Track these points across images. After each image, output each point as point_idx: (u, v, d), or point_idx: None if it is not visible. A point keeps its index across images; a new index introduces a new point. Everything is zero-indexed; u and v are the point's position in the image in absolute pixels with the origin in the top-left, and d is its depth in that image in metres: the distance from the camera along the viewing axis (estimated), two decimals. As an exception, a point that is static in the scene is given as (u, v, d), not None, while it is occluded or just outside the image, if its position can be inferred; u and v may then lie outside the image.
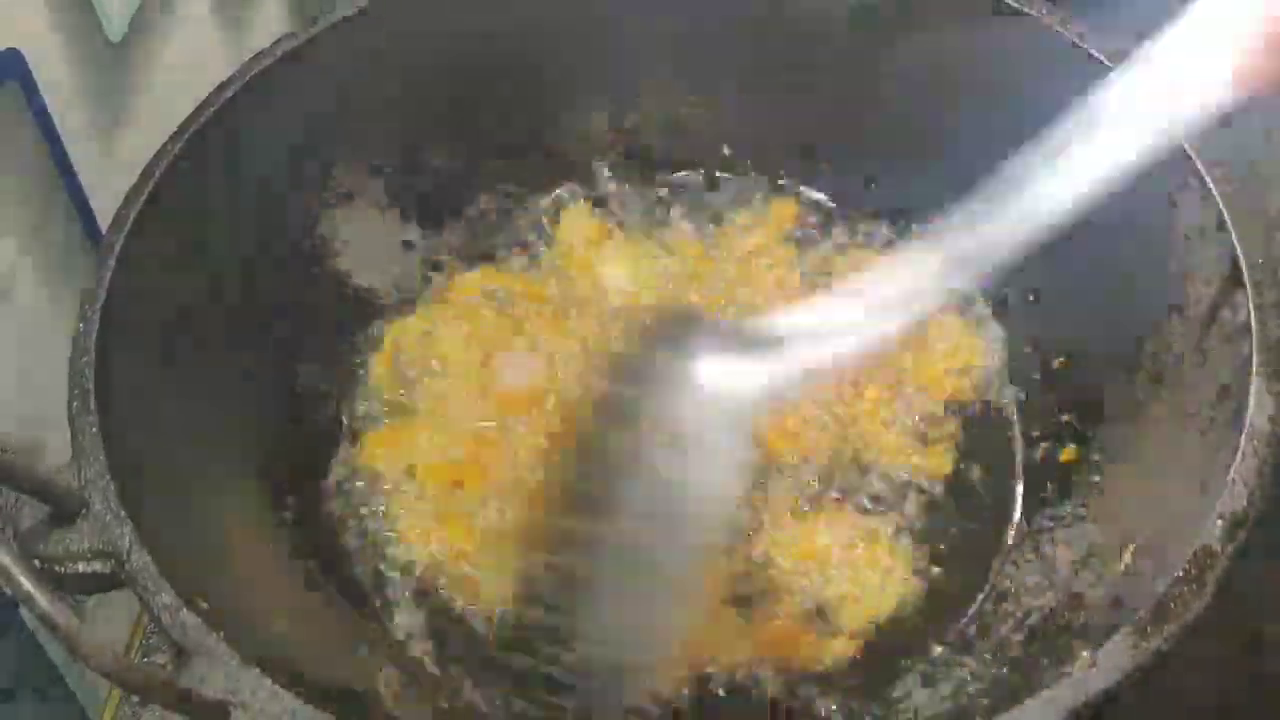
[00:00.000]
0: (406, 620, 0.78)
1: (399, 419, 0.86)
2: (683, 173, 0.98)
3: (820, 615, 0.76)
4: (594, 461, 0.68)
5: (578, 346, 0.87)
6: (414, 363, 0.88)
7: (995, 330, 0.88)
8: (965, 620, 0.76)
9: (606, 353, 0.86)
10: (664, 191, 0.98)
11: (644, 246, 0.94)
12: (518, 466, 0.82)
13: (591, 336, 0.87)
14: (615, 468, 0.66)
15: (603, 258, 0.93)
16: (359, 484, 0.84)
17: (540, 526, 0.71)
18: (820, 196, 0.96)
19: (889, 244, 0.93)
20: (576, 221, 0.96)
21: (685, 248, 0.94)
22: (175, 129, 0.75)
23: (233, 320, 0.80)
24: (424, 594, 0.79)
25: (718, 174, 0.98)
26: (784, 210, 0.96)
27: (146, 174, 0.73)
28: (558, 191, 0.97)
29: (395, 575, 0.80)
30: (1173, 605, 0.55)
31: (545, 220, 0.97)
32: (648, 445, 0.66)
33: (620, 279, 0.91)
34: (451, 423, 0.84)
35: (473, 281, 0.93)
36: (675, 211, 0.97)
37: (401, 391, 0.87)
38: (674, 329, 0.71)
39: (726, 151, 0.98)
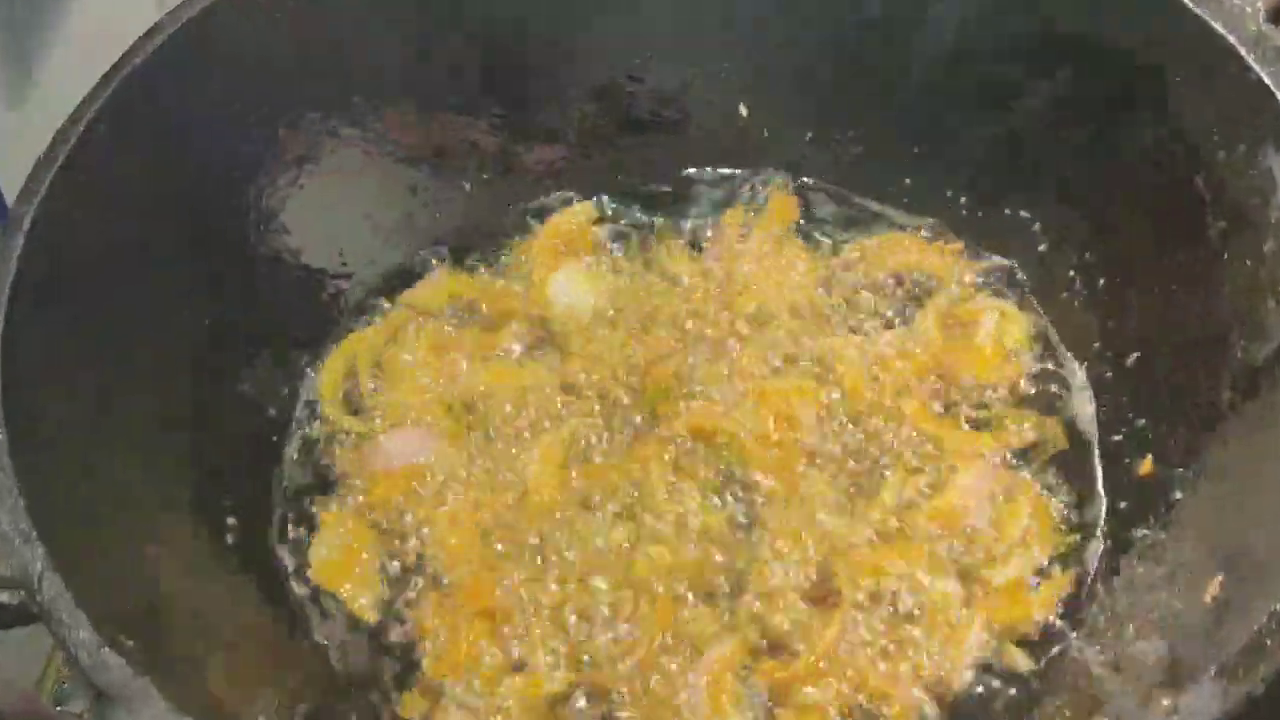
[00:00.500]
0: (348, 643, 0.73)
1: (352, 428, 0.81)
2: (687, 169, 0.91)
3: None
4: None
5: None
6: (369, 377, 0.83)
7: (1058, 322, 0.81)
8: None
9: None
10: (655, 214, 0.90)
11: (627, 260, 0.87)
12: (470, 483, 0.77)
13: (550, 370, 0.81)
14: None
15: (575, 276, 0.86)
16: (304, 502, 0.79)
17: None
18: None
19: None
20: (560, 226, 0.88)
21: (678, 261, 0.87)
22: (94, 85, 0.71)
23: (164, 309, 0.75)
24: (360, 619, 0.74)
25: (722, 169, 0.91)
26: (787, 204, 0.89)
27: (60, 138, 0.69)
28: (543, 194, 0.90)
29: (341, 601, 0.75)
30: (1268, 643, 0.50)
31: (528, 217, 0.90)
32: None
33: (588, 299, 0.84)
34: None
35: (439, 288, 0.86)
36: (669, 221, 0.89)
37: (354, 401, 0.83)
38: None
39: (743, 111, 0.90)
